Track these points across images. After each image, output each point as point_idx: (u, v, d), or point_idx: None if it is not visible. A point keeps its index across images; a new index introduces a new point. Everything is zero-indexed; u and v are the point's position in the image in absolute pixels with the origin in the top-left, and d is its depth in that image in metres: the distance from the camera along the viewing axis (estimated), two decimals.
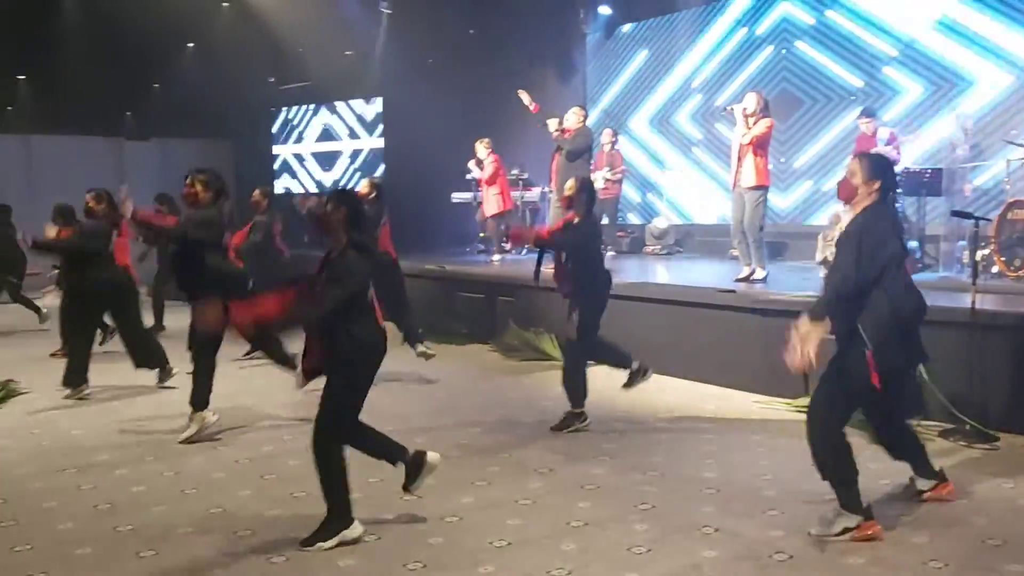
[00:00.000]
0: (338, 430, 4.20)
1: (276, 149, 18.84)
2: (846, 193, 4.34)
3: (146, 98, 17.25)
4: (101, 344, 8.52)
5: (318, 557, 4.02)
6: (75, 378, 7.30)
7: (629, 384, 6.35)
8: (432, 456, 4.46)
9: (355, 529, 4.18)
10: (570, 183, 6.21)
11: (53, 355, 8.92)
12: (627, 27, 13.69)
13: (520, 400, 7.13)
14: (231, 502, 4.77)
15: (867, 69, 10.65)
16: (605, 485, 4.95)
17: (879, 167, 4.30)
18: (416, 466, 4.41)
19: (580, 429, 6.07)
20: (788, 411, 6.51)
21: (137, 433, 6.26)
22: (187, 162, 18.78)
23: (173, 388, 7.56)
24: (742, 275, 8.23)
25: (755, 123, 7.97)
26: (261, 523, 4.46)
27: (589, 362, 6.30)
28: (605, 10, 13.47)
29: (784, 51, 11.51)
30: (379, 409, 6.80)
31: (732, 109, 8.18)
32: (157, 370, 7.62)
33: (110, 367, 8.85)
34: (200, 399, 6.03)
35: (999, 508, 4.46)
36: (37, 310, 11.37)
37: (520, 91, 10.15)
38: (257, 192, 9.31)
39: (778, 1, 11.57)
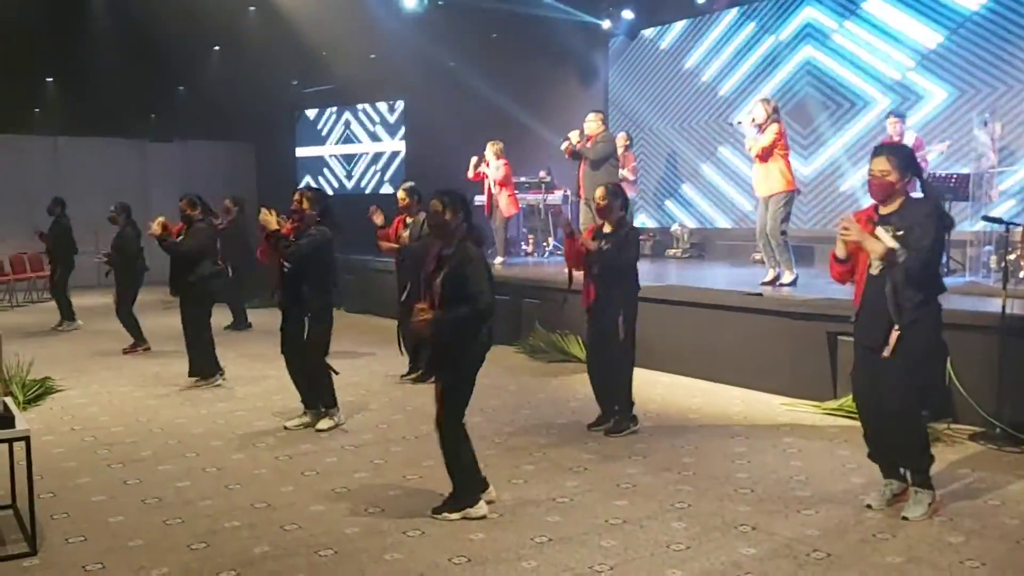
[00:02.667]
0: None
1: (299, 151, 18.99)
2: (881, 192, 4.41)
3: (171, 100, 17.45)
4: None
5: (366, 552, 4.11)
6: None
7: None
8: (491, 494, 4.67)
9: (480, 508, 4.51)
10: (600, 192, 6.23)
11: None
12: (650, 31, 13.77)
13: (548, 401, 7.22)
14: (275, 498, 4.88)
15: (892, 73, 10.69)
16: (641, 484, 5.03)
17: (910, 159, 4.49)
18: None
19: (633, 432, 6.14)
20: (816, 413, 6.58)
21: (175, 430, 6.38)
22: (209, 164, 19.09)
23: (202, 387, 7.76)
24: (767, 279, 8.29)
25: (763, 132, 8.01)
26: (305, 518, 4.56)
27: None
28: (628, 14, 13.55)
29: (808, 55, 11.56)
30: (412, 408, 6.95)
31: (740, 122, 8.25)
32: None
33: (143, 365, 9.03)
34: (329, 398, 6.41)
35: None
36: (70, 312, 11.57)
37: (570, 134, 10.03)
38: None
39: (802, 6, 11.62)
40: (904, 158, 4.45)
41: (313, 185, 16.45)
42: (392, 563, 4.00)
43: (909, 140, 8.77)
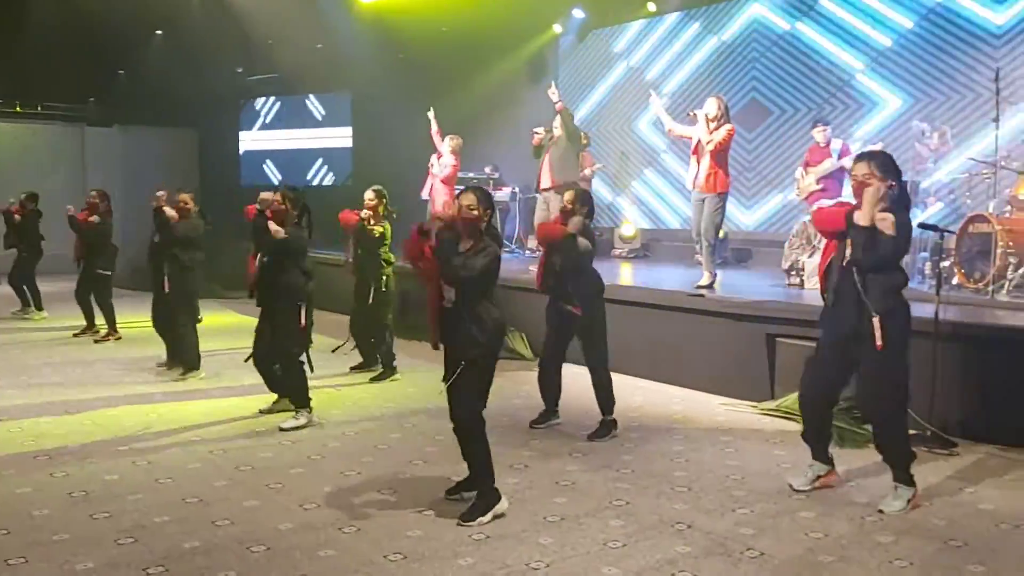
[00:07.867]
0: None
1: (242, 140, 18.67)
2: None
3: (110, 85, 17.03)
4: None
5: (299, 548, 4.04)
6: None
7: None
8: (503, 504, 4.52)
9: (503, 504, 4.47)
10: (568, 195, 6.17)
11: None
12: (600, 31, 13.81)
13: (491, 398, 7.15)
14: (207, 492, 4.77)
15: (838, 80, 10.87)
16: (579, 482, 5.04)
17: (890, 163, 4.59)
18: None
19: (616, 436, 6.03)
20: (754, 414, 6.66)
21: (105, 424, 6.21)
22: (149, 150, 18.66)
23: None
24: (702, 282, 8.19)
25: (716, 128, 7.98)
26: (239, 513, 4.47)
27: None
28: (579, 13, 13.58)
29: (753, 61, 11.71)
30: (351, 402, 6.87)
31: (695, 114, 8.20)
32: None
33: (79, 356, 8.79)
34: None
35: (960, 512, 4.61)
36: (27, 301, 11.23)
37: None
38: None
39: (748, 9, 11.77)
40: (883, 163, 4.54)
41: (285, 181, 16.22)
42: (326, 559, 3.94)
43: (836, 146, 8.84)
